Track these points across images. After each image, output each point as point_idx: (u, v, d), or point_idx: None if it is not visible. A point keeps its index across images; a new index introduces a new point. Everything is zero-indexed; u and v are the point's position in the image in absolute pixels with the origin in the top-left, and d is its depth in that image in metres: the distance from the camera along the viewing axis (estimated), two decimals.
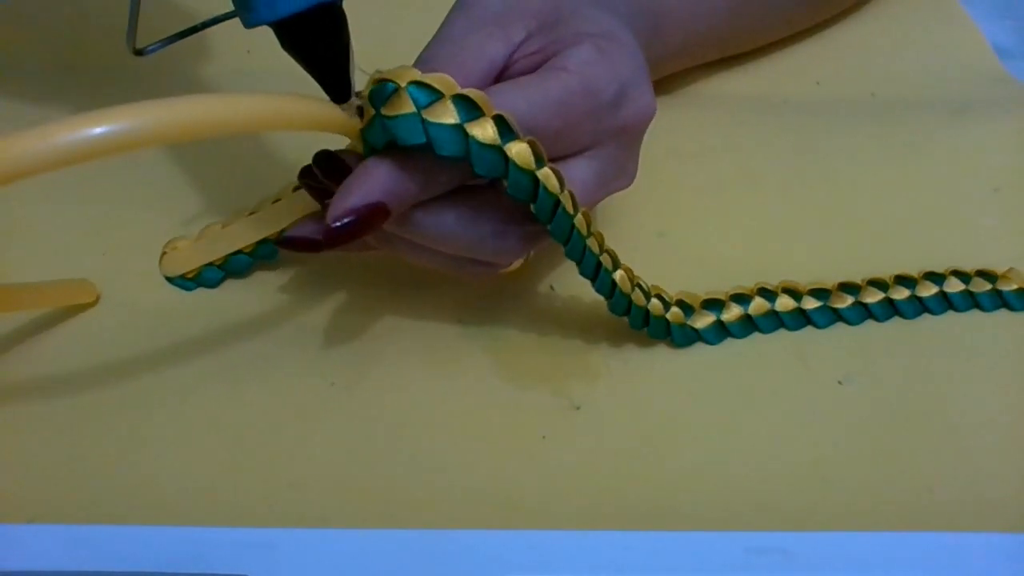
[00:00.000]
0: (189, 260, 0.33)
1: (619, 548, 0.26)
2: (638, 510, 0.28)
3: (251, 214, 0.33)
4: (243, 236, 0.33)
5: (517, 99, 0.27)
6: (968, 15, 0.47)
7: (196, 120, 0.22)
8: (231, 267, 0.34)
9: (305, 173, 0.29)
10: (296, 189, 0.32)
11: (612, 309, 0.30)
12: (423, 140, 0.25)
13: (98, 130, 0.20)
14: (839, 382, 0.32)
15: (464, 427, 0.30)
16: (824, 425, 0.30)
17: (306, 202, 0.31)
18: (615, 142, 0.29)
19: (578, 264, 0.29)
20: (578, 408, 0.31)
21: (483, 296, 0.34)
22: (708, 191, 0.38)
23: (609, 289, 0.30)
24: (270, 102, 0.24)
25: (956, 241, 0.36)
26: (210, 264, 0.33)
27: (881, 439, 0.30)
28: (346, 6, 0.27)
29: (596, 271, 0.29)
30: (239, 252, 0.33)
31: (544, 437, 0.30)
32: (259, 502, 0.28)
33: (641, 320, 0.31)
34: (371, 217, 0.26)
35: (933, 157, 0.40)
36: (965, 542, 0.27)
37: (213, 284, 0.34)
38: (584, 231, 0.28)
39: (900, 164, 0.39)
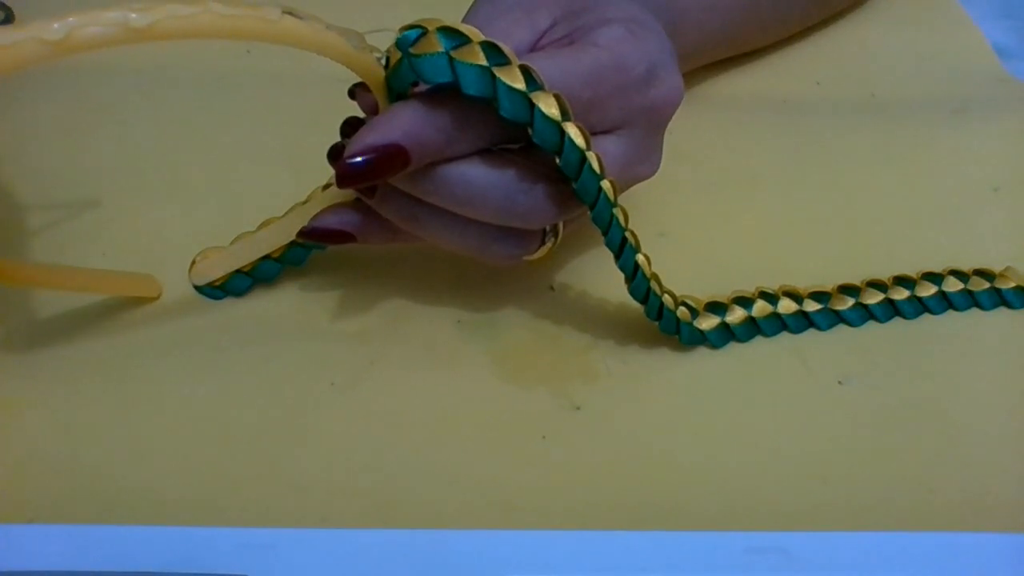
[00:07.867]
0: (218, 268, 0.33)
1: (619, 548, 0.26)
2: (638, 510, 0.28)
3: (281, 218, 0.33)
4: (272, 240, 0.32)
5: (549, 66, 0.27)
6: (968, 15, 0.47)
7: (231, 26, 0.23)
8: (259, 274, 0.33)
9: (333, 153, 0.29)
10: (326, 187, 0.32)
11: (632, 292, 0.30)
12: (449, 78, 0.25)
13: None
14: (839, 382, 0.32)
15: (464, 427, 0.30)
16: (824, 425, 0.30)
17: (335, 199, 0.31)
18: (643, 124, 0.29)
19: (604, 233, 0.29)
20: (578, 408, 0.31)
21: (483, 296, 0.34)
22: (708, 191, 0.38)
23: (632, 269, 0.30)
24: (299, 24, 0.24)
25: (956, 241, 0.36)
26: (239, 271, 0.33)
27: (881, 439, 0.30)
28: None
29: (621, 246, 0.29)
30: (268, 258, 0.33)
31: (544, 437, 0.30)
32: (259, 502, 0.28)
33: (656, 311, 0.31)
34: (389, 158, 0.26)
35: (933, 157, 0.40)
36: (965, 542, 0.27)
37: (241, 292, 0.33)
38: (612, 197, 0.28)
39: (900, 164, 0.39)
